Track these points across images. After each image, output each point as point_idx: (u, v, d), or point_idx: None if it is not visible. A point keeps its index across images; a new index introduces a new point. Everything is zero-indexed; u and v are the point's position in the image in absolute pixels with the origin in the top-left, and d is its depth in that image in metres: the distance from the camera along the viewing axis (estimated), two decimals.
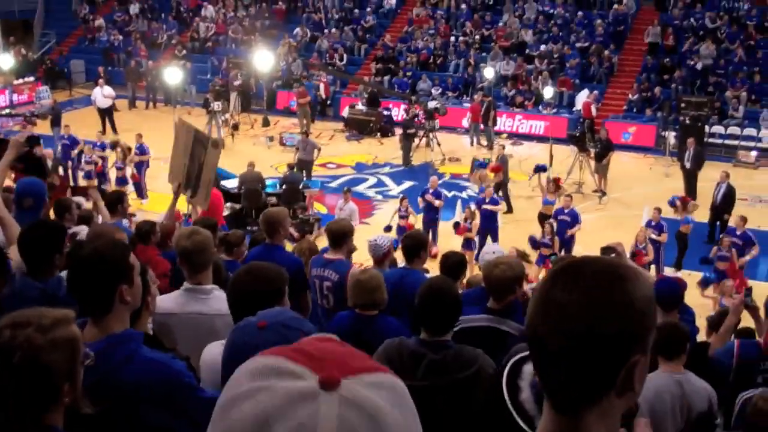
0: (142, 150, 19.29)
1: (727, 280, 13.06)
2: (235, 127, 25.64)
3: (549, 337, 1.37)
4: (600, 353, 1.34)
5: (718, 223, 16.50)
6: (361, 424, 1.01)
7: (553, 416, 1.41)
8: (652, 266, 14.15)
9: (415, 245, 6.71)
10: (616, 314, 1.34)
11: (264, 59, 27.56)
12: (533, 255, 14.69)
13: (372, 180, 21.68)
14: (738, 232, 14.34)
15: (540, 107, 27.46)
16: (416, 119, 24.18)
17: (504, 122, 26.81)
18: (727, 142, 24.74)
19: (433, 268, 8.85)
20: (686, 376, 4.86)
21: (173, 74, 26.74)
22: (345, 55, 31.62)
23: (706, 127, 23.84)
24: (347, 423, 1.00)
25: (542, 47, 29.63)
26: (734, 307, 6.56)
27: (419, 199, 16.30)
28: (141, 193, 19.19)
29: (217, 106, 24.43)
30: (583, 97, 26.69)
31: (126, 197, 8.87)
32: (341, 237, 6.74)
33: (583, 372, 1.35)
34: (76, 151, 19.82)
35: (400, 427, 1.05)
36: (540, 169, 17.66)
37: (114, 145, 19.71)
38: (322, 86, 29.22)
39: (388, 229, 15.47)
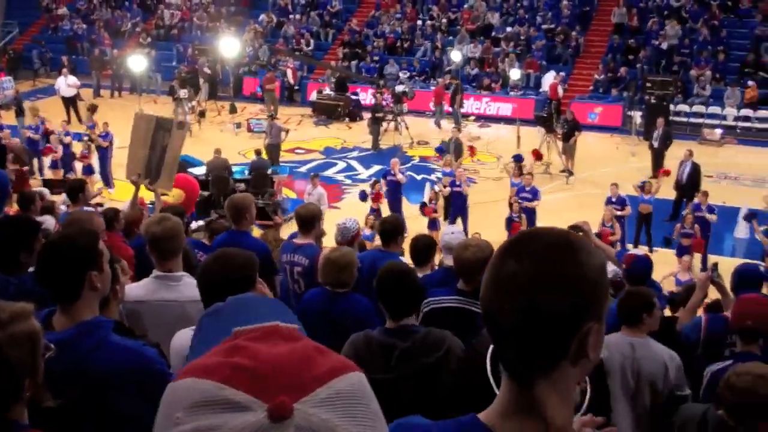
0: (107, 137, 19.13)
1: (685, 256, 13.27)
2: (202, 114, 25.45)
3: (500, 310, 1.36)
4: (551, 325, 1.32)
5: (684, 201, 16.67)
6: None
7: (509, 386, 1.41)
8: (618, 244, 14.33)
9: (393, 229, 6.73)
10: (567, 286, 1.33)
11: (230, 46, 27.38)
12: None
13: (341, 164, 21.66)
14: (703, 207, 14.63)
15: (507, 89, 27.54)
16: (384, 104, 24.18)
17: (472, 104, 26.88)
18: (692, 120, 24.98)
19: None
20: (643, 341, 4.91)
21: (138, 62, 26.51)
22: (312, 41, 31.47)
23: (672, 106, 24.08)
24: None
25: (508, 29, 29.68)
26: (701, 283, 6.66)
27: (381, 181, 16.49)
28: (107, 182, 19.04)
29: (183, 93, 24.23)
30: (549, 78, 26.80)
31: (87, 185, 8.81)
32: (310, 221, 6.73)
33: (536, 344, 1.34)
34: (40, 135, 19.60)
35: None
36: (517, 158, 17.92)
37: (93, 109, 19.64)
38: (289, 72, 29.07)
39: (363, 196, 15.82)
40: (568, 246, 1.37)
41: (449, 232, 6.77)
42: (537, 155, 18.73)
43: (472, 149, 19.14)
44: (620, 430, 4.58)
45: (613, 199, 15.13)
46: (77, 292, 2.96)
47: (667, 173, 17.03)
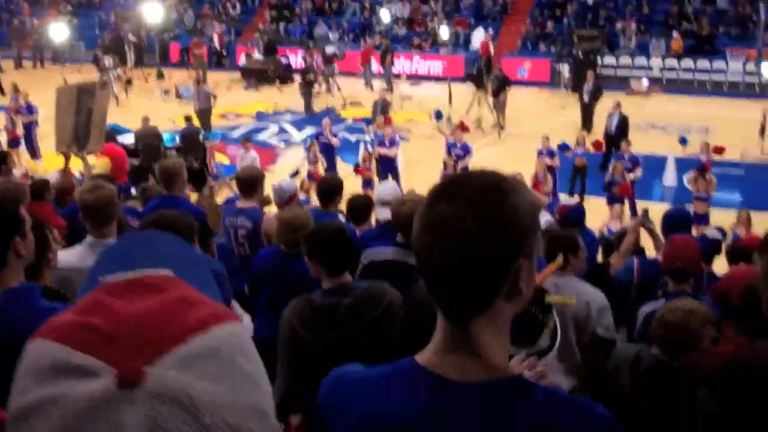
0: (30, 109, 18.60)
1: (615, 205, 13.49)
2: (129, 82, 24.95)
3: (431, 255, 1.35)
4: (484, 268, 1.32)
5: (613, 150, 16.93)
6: (174, 418, 0.79)
7: (445, 324, 1.41)
8: (550, 195, 14.54)
9: (331, 189, 6.69)
10: (501, 229, 1.32)
11: (153, 11, 26.83)
12: None
13: (274, 128, 21.45)
14: (626, 156, 14.86)
15: (437, 48, 27.57)
16: (315, 66, 23.98)
17: (402, 64, 26.85)
18: (619, 72, 25.40)
19: None
20: (566, 281, 4.92)
21: (59, 31, 25.82)
22: (238, 4, 31.00)
23: (599, 59, 24.40)
24: (156, 424, 0.78)
25: None
26: (632, 228, 6.86)
27: (315, 142, 16.44)
28: (34, 153, 18.55)
29: (108, 62, 23.70)
30: (480, 36, 26.89)
31: (10, 156, 8.73)
32: (252, 184, 6.63)
33: (469, 286, 1.34)
34: None
35: (223, 403, 0.83)
36: (437, 115, 18.07)
37: (16, 88, 19.19)
38: (216, 37, 28.63)
39: (294, 175, 15.48)
40: (501, 188, 1.36)
41: (383, 188, 6.77)
42: (464, 128, 18.68)
43: (388, 119, 19.00)
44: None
45: (544, 151, 15.32)
46: (2, 260, 2.90)
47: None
